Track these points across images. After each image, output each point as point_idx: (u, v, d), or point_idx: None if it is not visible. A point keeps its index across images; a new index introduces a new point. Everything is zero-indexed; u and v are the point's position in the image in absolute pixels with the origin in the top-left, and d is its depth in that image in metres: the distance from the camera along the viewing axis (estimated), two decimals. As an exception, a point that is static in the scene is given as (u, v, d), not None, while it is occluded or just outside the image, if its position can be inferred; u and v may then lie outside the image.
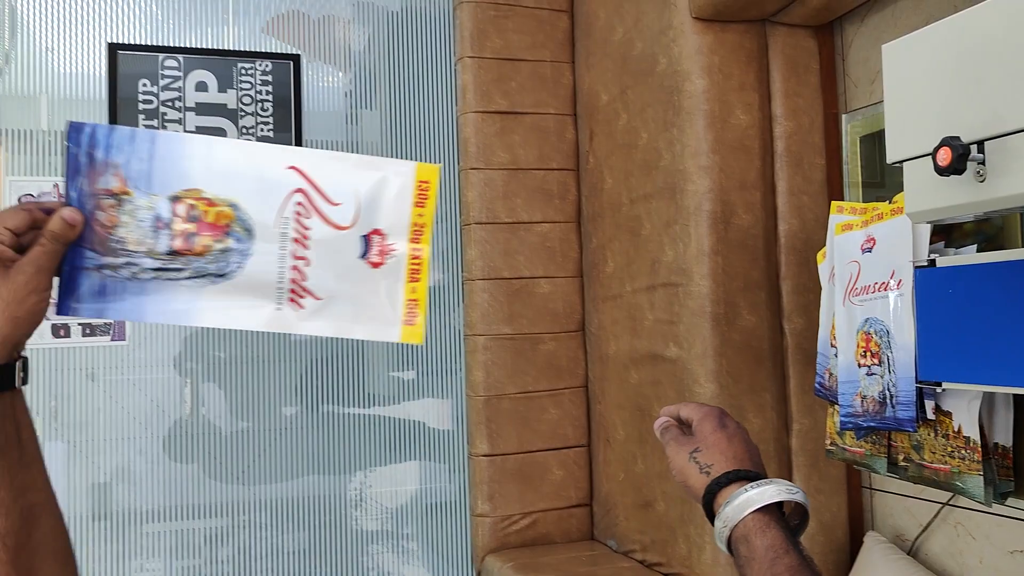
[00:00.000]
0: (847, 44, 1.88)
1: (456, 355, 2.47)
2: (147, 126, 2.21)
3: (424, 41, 2.51)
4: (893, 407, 1.07)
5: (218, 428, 2.31)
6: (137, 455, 2.23)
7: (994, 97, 0.80)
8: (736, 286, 1.78)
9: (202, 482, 2.28)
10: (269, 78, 2.32)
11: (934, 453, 1.06)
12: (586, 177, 2.32)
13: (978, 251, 1.03)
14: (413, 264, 0.79)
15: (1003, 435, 1.03)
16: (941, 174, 0.80)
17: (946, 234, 1.17)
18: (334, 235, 0.77)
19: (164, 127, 2.22)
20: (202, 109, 2.25)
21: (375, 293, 0.79)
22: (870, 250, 1.14)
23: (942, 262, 1.00)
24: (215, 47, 2.32)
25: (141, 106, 2.22)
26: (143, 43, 2.26)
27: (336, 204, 0.77)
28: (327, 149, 0.85)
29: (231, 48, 2.33)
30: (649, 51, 1.96)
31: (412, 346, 2.48)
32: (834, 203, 1.25)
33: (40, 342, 2.13)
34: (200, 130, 2.22)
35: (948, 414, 1.03)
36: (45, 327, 2.14)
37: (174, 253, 0.74)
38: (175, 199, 0.74)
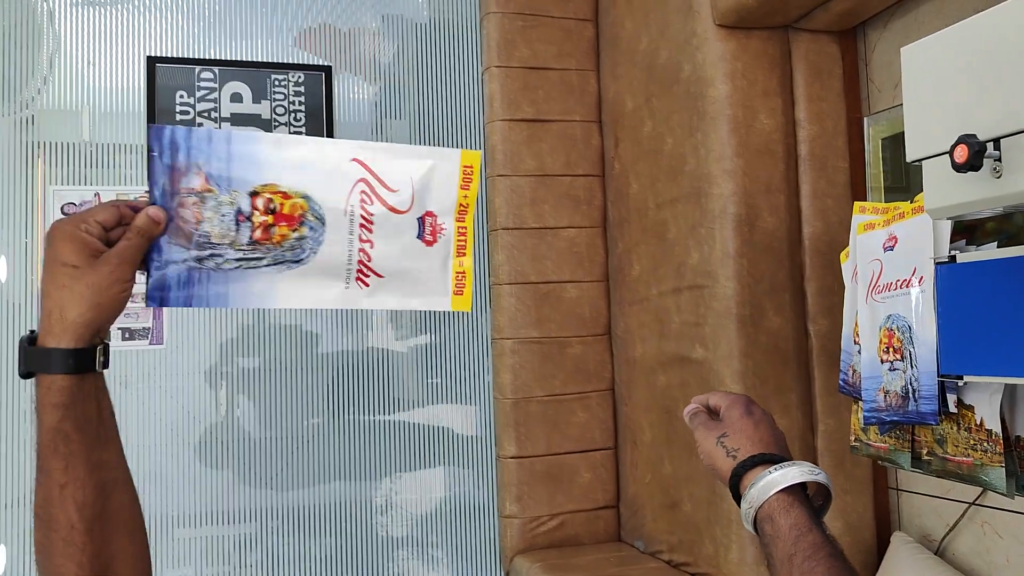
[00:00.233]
0: (870, 49, 1.90)
1: (482, 360, 2.51)
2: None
3: (451, 52, 2.57)
4: (915, 401, 1.09)
5: (249, 434, 2.36)
6: (169, 460, 2.28)
7: (1010, 96, 0.82)
8: (761, 288, 1.81)
9: (232, 488, 2.33)
10: (301, 89, 2.38)
11: (957, 446, 1.08)
12: (612, 183, 2.35)
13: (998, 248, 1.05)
14: (460, 240, 0.88)
15: (1025, 428, 1.05)
16: (958, 171, 0.83)
17: (968, 233, 1.19)
18: (394, 218, 0.85)
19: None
20: (237, 119, 2.32)
21: (430, 269, 0.87)
22: (892, 248, 1.17)
23: (962, 258, 1.03)
24: (249, 59, 2.39)
25: (178, 117, 2.29)
26: (180, 56, 2.33)
27: (394, 191, 0.85)
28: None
29: (264, 60, 2.40)
30: (674, 59, 1.99)
31: (438, 352, 2.52)
32: (857, 203, 1.27)
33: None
34: (235, 140, 2.28)
35: (970, 407, 1.06)
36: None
37: (255, 243, 0.80)
38: (254, 194, 0.80)
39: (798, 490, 0.76)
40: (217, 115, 2.31)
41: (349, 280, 0.85)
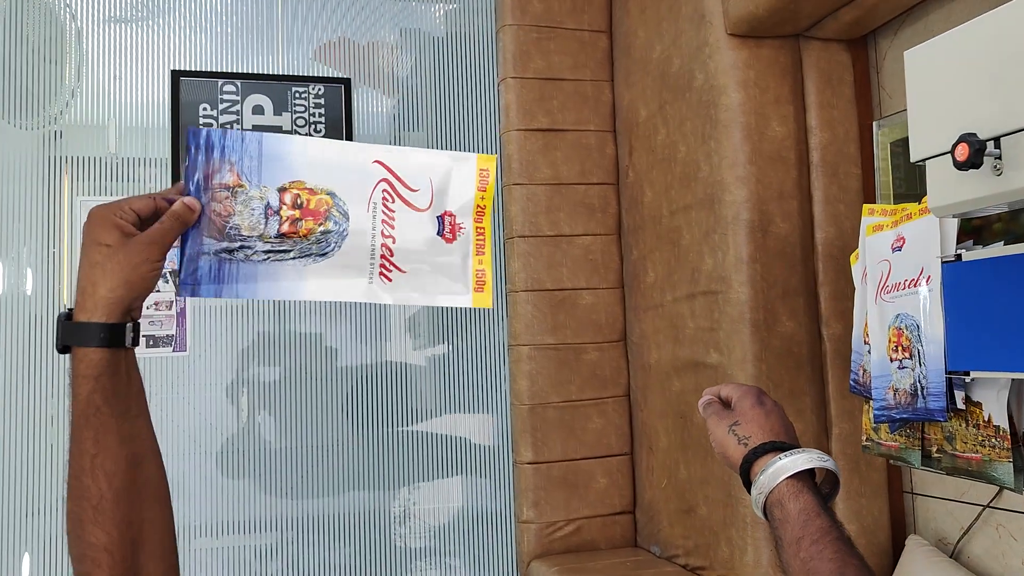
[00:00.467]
0: (881, 57, 1.93)
1: (499, 369, 2.53)
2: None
3: (467, 64, 2.61)
4: (924, 398, 1.11)
5: (269, 444, 2.39)
6: (190, 470, 2.31)
7: (1009, 96, 0.85)
8: (775, 293, 1.82)
9: (252, 498, 2.35)
10: (322, 101, 2.43)
11: (966, 443, 1.09)
12: (626, 191, 2.38)
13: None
14: (478, 239, 0.93)
15: (1033, 424, 1.07)
16: (960, 169, 0.85)
17: (976, 234, 1.21)
18: (415, 216, 0.90)
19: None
20: (258, 131, 2.37)
21: (450, 265, 0.92)
22: (900, 249, 1.19)
23: (968, 256, 1.05)
24: (270, 72, 2.44)
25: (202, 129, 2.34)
26: (203, 70, 2.39)
27: (414, 190, 0.90)
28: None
29: (285, 73, 2.45)
30: (687, 67, 2.02)
31: (455, 361, 2.54)
32: (866, 205, 1.30)
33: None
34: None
35: (978, 404, 1.07)
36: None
37: (283, 236, 0.85)
38: (282, 189, 0.85)
39: (807, 476, 0.79)
40: (239, 127, 2.37)
41: (373, 275, 0.89)
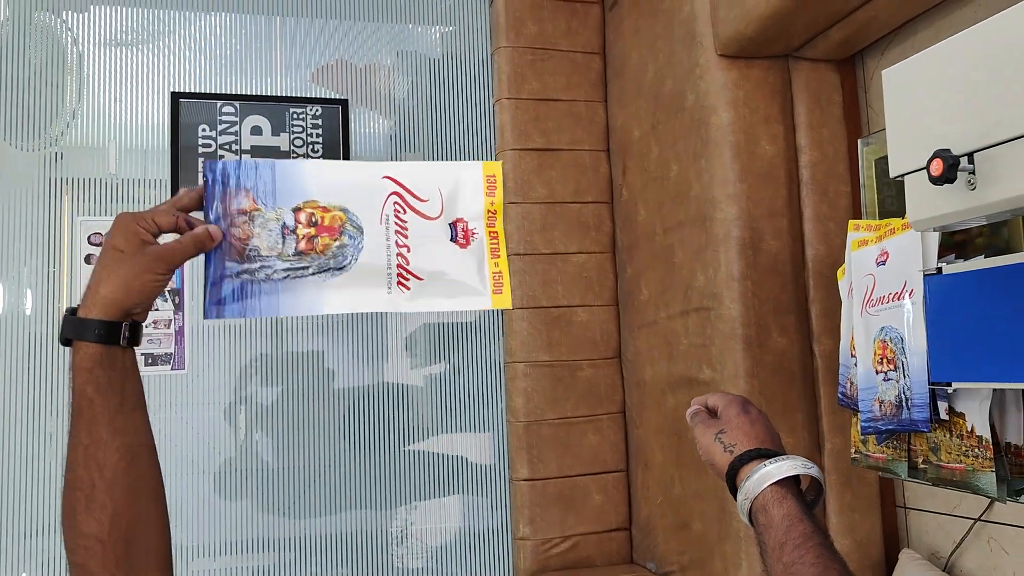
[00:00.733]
0: (869, 76, 1.96)
1: (497, 387, 2.55)
2: (202, 182, 2.35)
3: (463, 85, 2.64)
4: (909, 409, 1.13)
5: (267, 463, 2.40)
6: (187, 491, 2.32)
7: (981, 113, 0.88)
8: (766, 309, 1.85)
9: (248, 518, 2.36)
10: (319, 122, 2.46)
11: (950, 453, 1.11)
12: (620, 209, 2.41)
13: (985, 261, 1.09)
14: (492, 243, 0.96)
15: (1015, 434, 1.08)
16: (935, 183, 0.88)
17: (958, 249, 1.23)
18: (427, 224, 0.93)
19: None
20: (257, 151, 2.40)
21: (467, 269, 0.94)
22: (884, 263, 1.21)
23: (948, 269, 1.07)
24: (268, 94, 2.48)
25: (201, 149, 2.37)
26: (203, 91, 2.42)
27: (424, 200, 0.93)
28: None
29: (283, 95, 2.49)
30: (678, 88, 2.06)
31: (452, 381, 2.55)
32: (851, 221, 1.32)
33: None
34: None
35: (961, 415, 1.09)
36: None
37: (300, 253, 0.89)
38: (296, 209, 0.89)
39: (791, 483, 0.81)
40: (238, 147, 2.40)
41: (391, 285, 0.91)
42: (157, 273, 0.80)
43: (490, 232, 0.95)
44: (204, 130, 2.38)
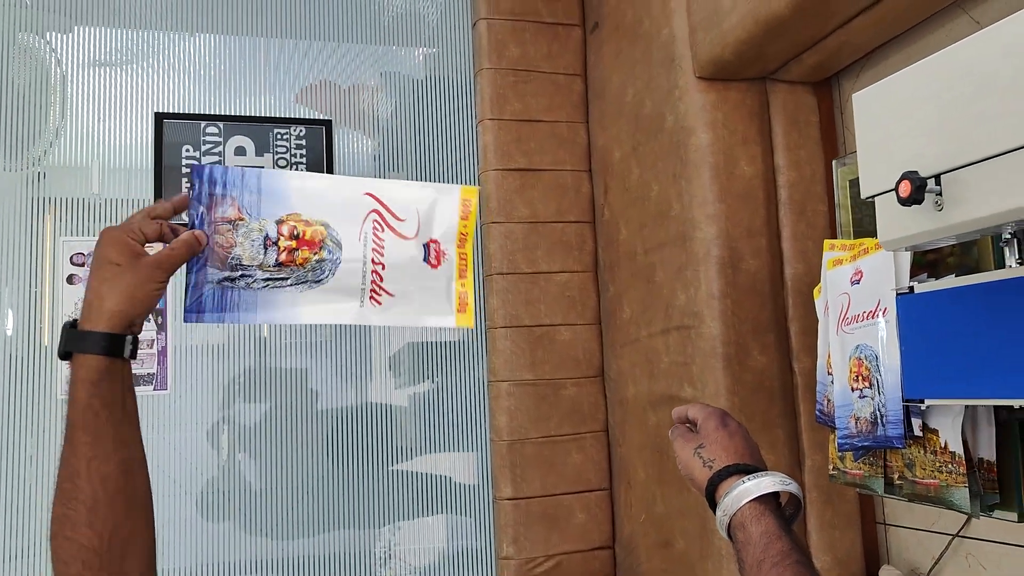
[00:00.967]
0: (844, 98, 2.00)
1: (481, 406, 2.55)
2: (188, 187, 2.36)
3: (447, 106, 2.67)
4: (883, 426, 1.15)
5: (250, 484, 2.39)
6: (170, 512, 2.30)
7: (947, 136, 0.90)
8: (746, 328, 1.87)
9: (232, 540, 2.34)
10: (303, 142, 2.48)
11: (924, 469, 1.13)
12: (602, 229, 2.43)
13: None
14: (461, 265, 1.00)
15: (987, 450, 1.10)
16: (903, 204, 0.90)
17: (931, 268, 1.26)
18: (403, 244, 0.96)
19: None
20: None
21: (436, 289, 0.98)
22: (858, 282, 1.23)
23: (920, 288, 1.09)
24: (252, 115, 2.49)
25: (184, 170, 2.38)
26: (187, 112, 2.43)
27: (402, 220, 0.96)
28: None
29: (267, 115, 2.50)
30: (658, 109, 2.09)
31: (437, 400, 2.56)
32: (827, 241, 1.34)
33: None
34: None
35: (935, 431, 1.11)
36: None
37: (281, 265, 0.91)
38: (280, 222, 0.91)
39: (770, 499, 0.81)
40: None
41: (364, 298, 0.95)
42: (158, 281, 0.83)
43: (460, 253, 0.99)
44: (188, 150, 2.39)
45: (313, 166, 2.47)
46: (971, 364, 1.01)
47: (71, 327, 0.82)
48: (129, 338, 0.82)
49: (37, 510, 2.22)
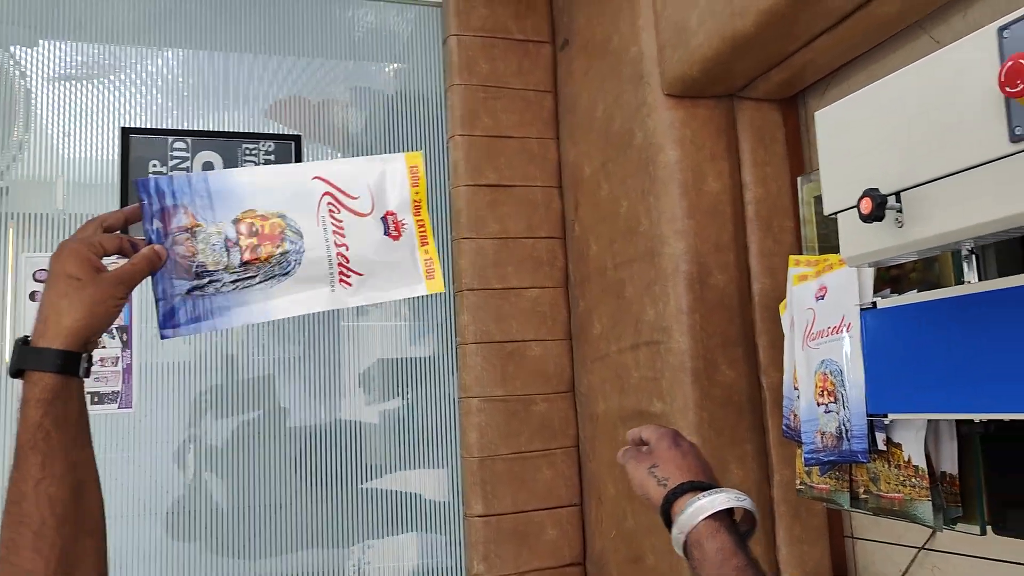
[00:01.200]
0: (810, 115, 2.02)
1: (451, 423, 2.54)
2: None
3: (418, 122, 2.67)
4: (848, 440, 1.16)
5: (218, 504, 2.35)
6: (136, 533, 2.25)
7: (907, 154, 0.91)
8: (714, 342, 1.88)
9: (200, 561, 2.30)
10: (272, 157, 2.46)
11: (889, 483, 1.14)
12: (572, 244, 2.44)
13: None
14: (420, 232, 1.00)
15: (949, 464, 1.12)
16: (865, 221, 0.91)
17: (894, 283, 1.27)
18: (361, 221, 0.96)
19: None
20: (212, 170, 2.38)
21: (402, 260, 0.98)
22: (823, 298, 1.25)
23: (883, 303, 1.11)
24: (221, 130, 2.47)
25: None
26: (153, 127, 2.41)
27: (355, 198, 0.96)
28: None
29: (236, 130, 2.48)
30: (627, 126, 2.10)
31: (408, 417, 2.54)
32: (792, 256, 1.36)
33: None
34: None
35: (899, 445, 1.12)
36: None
37: (246, 264, 0.91)
38: (236, 221, 0.91)
39: (725, 516, 0.82)
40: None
41: (334, 283, 0.94)
42: (119, 297, 0.81)
43: (417, 221, 0.99)
44: (155, 165, 2.36)
45: (282, 181, 2.45)
46: (933, 379, 1.03)
47: (23, 344, 0.79)
48: (85, 356, 0.80)
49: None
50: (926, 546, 1.67)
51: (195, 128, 2.45)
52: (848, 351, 1.18)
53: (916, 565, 1.70)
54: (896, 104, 0.94)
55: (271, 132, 2.51)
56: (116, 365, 2.27)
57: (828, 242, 1.59)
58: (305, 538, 2.40)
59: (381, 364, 2.56)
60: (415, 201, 1.00)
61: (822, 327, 1.24)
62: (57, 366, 0.77)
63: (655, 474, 0.88)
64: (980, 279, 1.05)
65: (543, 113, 2.56)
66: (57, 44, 2.39)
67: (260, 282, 0.91)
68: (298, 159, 2.49)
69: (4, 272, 2.28)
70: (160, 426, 2.34)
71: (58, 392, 0.77)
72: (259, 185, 0.92)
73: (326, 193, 0.94)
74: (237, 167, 2.42)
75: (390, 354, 2.57)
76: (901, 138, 0.92)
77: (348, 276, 0.95)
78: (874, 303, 1.12)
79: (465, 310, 2.39)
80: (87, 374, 0.81)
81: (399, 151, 2.70)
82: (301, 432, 2.44)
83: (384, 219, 0.97)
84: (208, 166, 2.41)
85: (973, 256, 1.02)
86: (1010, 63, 0.79)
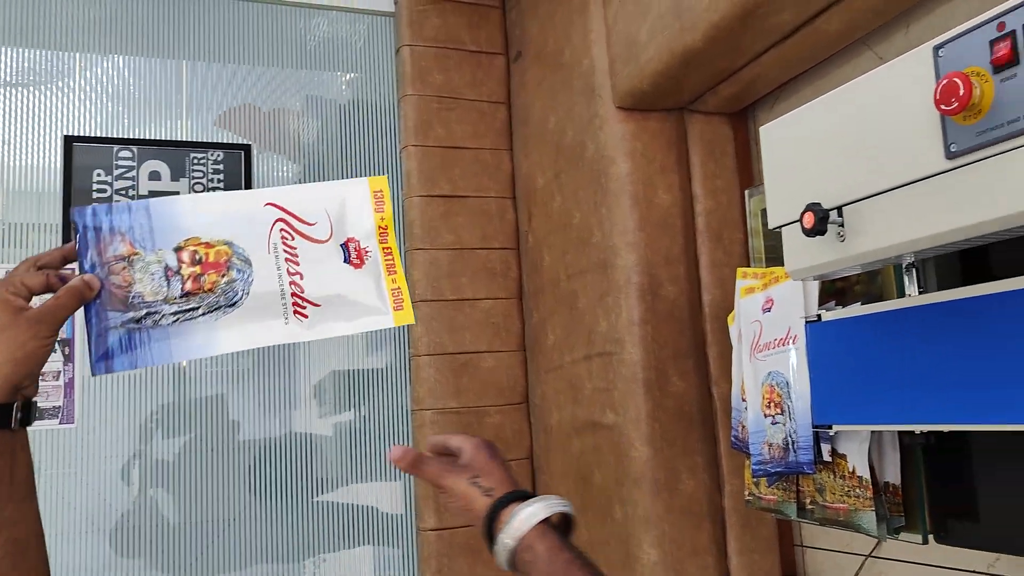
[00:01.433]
0: (759, 129, 2.05)
1: (405, 435, 2.52)
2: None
3: (371, 131, 2.65)
4: (795, 452, 1.17)
5: (167, 519, 2.30)
6: (81, 550, 2.20)
7: (849, 169, 0.93)
8: (665, 354, 1.89)
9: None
10: (221, 167, 2.42)
11: (834, 494, 1.15)
12: (526, 255, 2.44)
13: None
14: (387, 260, 0.93)
15: (892, 474, 1.13)
16: (808, 235, 0.92)
17: (839, 296, 1.29)
18: (317, 248, 0.89)
19: (118, 215, 2.29)
20: (151, 197, 2.34)
21: (365, 290, 0.91)
22: (769, 310, 1.26)
23: (827, 316, 1.12)
24: (169, 139, 2.43)
25: (95, 195, 2.30)
26: (98, 135, 2.36)
27: (311, 224, 0.90)
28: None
29: (185, 139, 2.44)
30: (579, 138, 2.11)
31: (361, 429, 2.52)
32: (739, 269, 1.37)
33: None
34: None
35: (843, 456, 1.13)
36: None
37: (188, 294, 0.84)
38: (178, 249, 0.85)
39: (546, 520, 0.83)
40: (135, 193, 2.34)
41: (287, 315, 0.88)
42: (42, 337, 0.75)
43: (383, 249, 0.92)
44: (100, 175, 2.31)
45: (231, 191, 2.42)
46: (876, 390, 1.04)
47: None
48: (17, 404, 0.73)
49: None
50: (873, 554, 1.69)
51: (142, 137, 2.41)
52: (794, 363, 1.19)
53: (864, 572, 1.72)
54: (837, 120, 0.96)
55: (221, 141, 2.47)
56: (57, 380, 2.20)
57: (775, 254, 1.61)
58: (257, 553, 2.36)
59: (335, 376, 2.53)
60: (380, 227, 0.92)
61: (769, 339, 1.25)
62: None
63: (479, 484, 0.87)
64: (920, 292, 1.07)
65: (496, 124, 2.56)
66: (0, 49, 2.33)
67: (203, 314, 0.84)
68: (248, 168, 2.46)
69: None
70: (104, 441, 2.28)
71: None
72: (205, 211, 0.86)
73: (279, 220, 0.88)
74: (185, 177, 2.38)
75: (343, 366, 2.54)
76: (842, 153, 0.94)
77: (304, 307, 0.88)
78: (819, 315, 1.13)
79: (419, 321, 2.37)
80: (26, 423, 0.74)
81: (352, 161, 2.68)
82: (253, 445, 2.40)
83: (344, 246, 0.90)
84: (155, 176, 2.37)
85: (914, 269, 1.04)
86: (945, 81, 0.81)
